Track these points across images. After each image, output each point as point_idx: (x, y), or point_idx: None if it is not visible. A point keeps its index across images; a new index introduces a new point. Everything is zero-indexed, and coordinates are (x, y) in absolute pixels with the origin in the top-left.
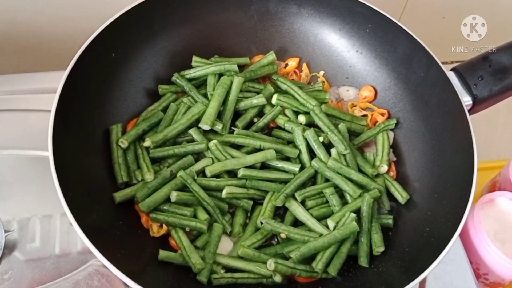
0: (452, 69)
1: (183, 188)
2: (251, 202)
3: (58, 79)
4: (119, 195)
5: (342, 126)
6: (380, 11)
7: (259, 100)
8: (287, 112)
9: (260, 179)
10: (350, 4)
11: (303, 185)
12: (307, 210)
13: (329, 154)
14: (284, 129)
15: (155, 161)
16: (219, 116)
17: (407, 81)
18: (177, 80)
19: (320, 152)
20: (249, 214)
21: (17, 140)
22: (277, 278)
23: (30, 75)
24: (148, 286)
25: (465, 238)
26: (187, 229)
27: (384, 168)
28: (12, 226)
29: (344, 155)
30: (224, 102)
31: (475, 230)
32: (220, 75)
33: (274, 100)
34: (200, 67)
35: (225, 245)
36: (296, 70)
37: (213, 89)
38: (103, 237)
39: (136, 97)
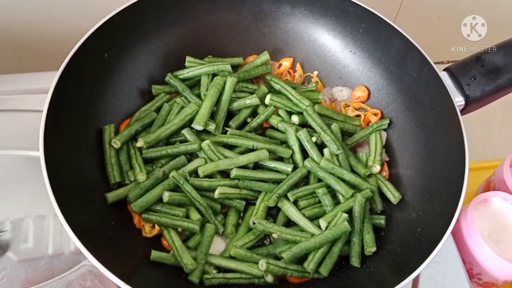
0: (444, 69)
1: (176, 188)
2: (244, 203)
3: (52, 79)
4: (112, 196)
5: (335, 126)
6: (373, 11)
7: (252, 100)
8: (281, 112)
9: (253, 179)
10: (344, 4)
11: (295, 185)
12: (300, 210)
13: (322, 154)
14: (277, 129)
15: (148, 161)
16: (213, 116)
17: (400, 81)
18: (171, 80)
19: (312, 152)
20: (241, 215)
21: (11, 140)
22: (269, 278)
23: (24, 75)
24: (139, 287)
25: (458, 238)
26: (180, 229)
27: (377, 168)
28: (5, 226)
29: (337, 155)
30: (218, 102)
31: (468, 230)
32: (214, 75)
33: (267, 100)
34: (193, 67)
35: (218, 245)
36: (290, 70)
37: (207, 89)
38: (95, 238)
39: (129, 97)
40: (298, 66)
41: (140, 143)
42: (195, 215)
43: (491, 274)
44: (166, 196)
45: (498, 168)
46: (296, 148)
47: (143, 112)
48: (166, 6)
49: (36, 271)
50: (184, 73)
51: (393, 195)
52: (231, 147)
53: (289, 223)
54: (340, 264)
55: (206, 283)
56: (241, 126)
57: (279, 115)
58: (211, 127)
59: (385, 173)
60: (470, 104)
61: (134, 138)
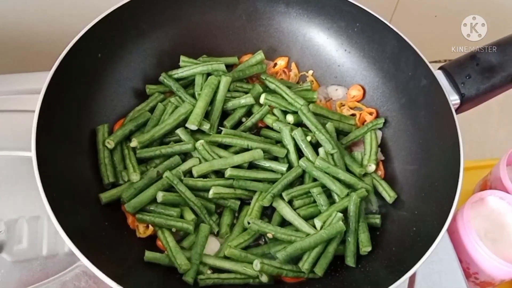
0: (439, 68)
1: (170, 188)
2: (239, 202)
3: (45, 80)
4: (105, 196)
5: (329, 125)
6: (367, 10)
7: (247, 99)
8: (276, 111)
9: (248, 179)
10: (338, 3)
11: (290, 185)
12: (295, 210)
13: (317, 153)
14: (272, 129)
15: (142, 161)
16: (207, 116)
17: (395, 80)
18: (165, 80)
19: (307, 151)
20: (236, 214)
21: (4, 140)
22: (264, 279)
23: (17, 76)
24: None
25: (455, 237)
26: (174, 229)
27: (372, 167)
28: (0, 227)
29: (332, 155)
30: (212, 102)
31: (464, 229)
32: (208, 74)
33: (262, 99)
34: (187, 67)
35: (212, 245)
36: (285, 70)
37: (201, 89)
38: (88, 239)
39: (123, 97)
40: (293, 65)
41: (134, 143)
42: (189, 215)
43: (488, 273)
44: (160, 196)
45: (495, 167)
46: (291, 147)
47: (137, 112)
48: (160, 6)
49: (30, 272)
50: (178, 73)
51: (389, 194)
52: (225, 146)
53: (284, 223)
54: (335, 264)
55: (200, 284)
56: (235, 126)
57: (274, 115)
58: (206, 126)
59: (381, 172)
60: (465, 103)
61: (128, 138)
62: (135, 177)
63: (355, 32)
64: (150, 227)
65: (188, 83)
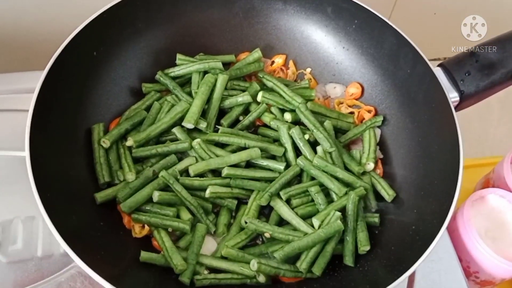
0: (439, 65)
1: (166, 188)
2: (236, 202)
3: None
4: (101, 196)
5: (327, 123)
6: (366, 6)
7: (244, 98)
8: (273, 109)
9: (245, 178)
10: (336, 0)
11: (288, 184)
12: (292, 209)
13: (315, 152)
14: (270, 127)
15: (138, 160)
16: (204, 114)
17: (394, 77)
18: (161, 78)
19: (305, 150)
20: (233, 214)
21: None
22: (261, 279)
23: (12, 75)
24: None
25: (455, 236)
26: (170, 229)
27: (371, 165)
28: None
29: (330, 153)
30: (209, 100)
31: (465, 228)
32: (205, 73)
33: (259, 97)
34: (184, 65)
35: (209, 245)
36: (283, 68)
37: (198, 87)
38: (83, 239)
39: (119, 95)
40: (291, 63)
41: (129, 142)
42: (185, 215)
43: (489, 272)
44: (156, 195)
45: (498, 165)
46: (288, 146)
47: (133, 111)
48: (156, 3)
49: (25, 273)
50: (175, 71)
51: (387, 193)
52: (222, 145)
53: (281, 222)
54: (333, 264)
55: (197, 284)
56: (233, 124)
57: (271, 113)
58: (202, 125)
59: (379, 170)
60: (465, 100)
61: (123, 137)
62: (130, 176)
63: (353, 29)
64: (146, 227)
65: (184, 82)
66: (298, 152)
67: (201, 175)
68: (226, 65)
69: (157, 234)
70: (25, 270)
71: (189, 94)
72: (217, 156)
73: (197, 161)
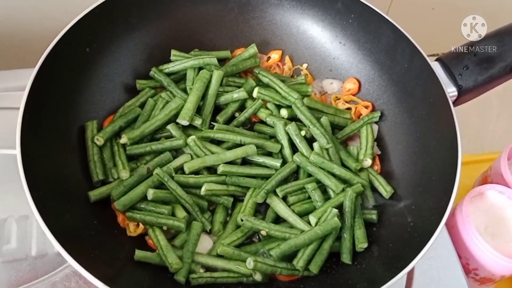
0: (436, 59)
1: (161, 185)
2: (232, 199)
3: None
4: (94, 194)
5: (324, 119)
6: (362, 0)
7: (240, 94)
8: (269, 106)
9: (241, 175)
10: None
11: (285, 181)
12: (289, 206)
13: (312, 148)
14: (266, 124)
15: (132, 158)
16: (199, 111)
17: (391, 72)
18: (155, 74)
19: (302, 146)
20: (229, 212)
21: None
22: (258, 277)
23: (4, 73)
24: None
25: (453, 233)
26: (165, 227)
27: (368, 162)
28: None
29: (327, 149)
30: (204, 97)
31: (464, 224)
32: (200, 69)
33: (255, 93)
34: (178, 61)
35: (205, 243)
36: (279, 63)
37: (193, 84)
38: (76, 238)
39: (113, 92)
40: (287, 59)
41: (123, 139)
42: (181, 213)
43: (488, 269)
44: (151, 193)
45: (495, 161)
46: (285, 142)
47: (127, 108)
48: None
49: (19, 273)
50: (169, 67)
51: (385, 189)
52: (218, 142)
53: (278, 220)
54: (330, 261)
55: (192, 283)
56: (228, 121)
57: (267, 109)
58: (197, 122)
59: (377, 167)
60: (463, 95)
61: (117, 134)
62: (124, 174)
63: (349, 24)
64: (141, 225)
65: (179, 78)
66: (294, 149)
67: (196, 172)
68: (222, 61)
69: (152, 233)
70: (19, 270)
71: (184, 90)
72: (212, 153)
73: (192, 158)
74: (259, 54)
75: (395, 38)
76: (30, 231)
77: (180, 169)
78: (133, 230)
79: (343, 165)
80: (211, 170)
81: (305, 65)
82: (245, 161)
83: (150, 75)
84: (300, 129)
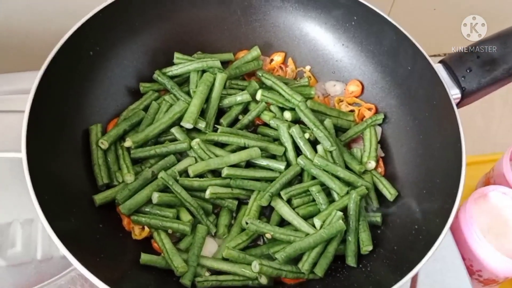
0: (440, 61)
1: (166, 189)
2: (236, 202)
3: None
4: (99, 198)
5: (328, 122)
6: (364, 2)
7: (243, 96)
8: (273, 108)
9: (245, 178)
10: None
11: (289, 184)
12: (293, 209)
13: (316, 151)
14: (269, 126)
15: (136, 161)
16: (203, 114)
17: (394, 74)
18: (159, 77)
19: (306, 149)
20: (234, 215)
21: None
22: (263, 280)
23: (8, 76)
24: None
25: (457, 234)
26: (170, 231)
27: (372, 164)
28: None
29: (331, 152)
30: (208, 100)
31: (467, 226)
32: (203, 72)
33: (258, 96)
34: (182, 64)
35: (210, 246)
36: (282, 66)
37: (196, 87)
38: (81, 242)
39: (116, 96)
40: (290, 61)
41: (128, 143)
42: (186, 216)
43: (492, 270)
44: (156, 197)
45: (498, 162)
46: (288, 145)
47: (131, 111)
48: (152, 2)
49: (24, 276)
50: (173, 70)
51: (389, 192)
52: (222, 145)
53: (283, 223)
54: (335, 264)
55: (198, 286)
56: (232, 124)
57: (271, 111)
58: (201, 125)
59: (381, 169)
60: (466, 97)
61: (122, 138)
62: (129, 177)
63: (352, 26)
64: (146, 228)
65: (182, 81)
66: (298, 151)
67: (200, 175)
68: (225, 64)
69: (157, 236)
70: (24, 274)
71: (188, 93)
72: (216, 156)
73: (196, 161)
74: (262, 57)
75: (397, 40)
76: (35, 234)
77: (184, 172)
78: (138, 233)
79: (347, 167)
80: (216, 173)
81: (308, 67)
82: (249, 164)
83: (153, 78)
84: (304, 132)
